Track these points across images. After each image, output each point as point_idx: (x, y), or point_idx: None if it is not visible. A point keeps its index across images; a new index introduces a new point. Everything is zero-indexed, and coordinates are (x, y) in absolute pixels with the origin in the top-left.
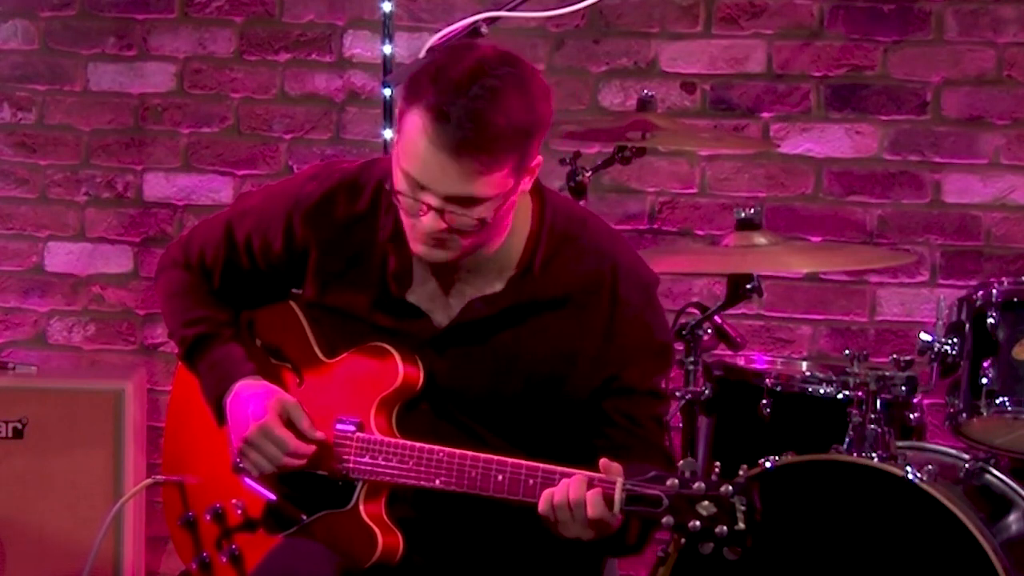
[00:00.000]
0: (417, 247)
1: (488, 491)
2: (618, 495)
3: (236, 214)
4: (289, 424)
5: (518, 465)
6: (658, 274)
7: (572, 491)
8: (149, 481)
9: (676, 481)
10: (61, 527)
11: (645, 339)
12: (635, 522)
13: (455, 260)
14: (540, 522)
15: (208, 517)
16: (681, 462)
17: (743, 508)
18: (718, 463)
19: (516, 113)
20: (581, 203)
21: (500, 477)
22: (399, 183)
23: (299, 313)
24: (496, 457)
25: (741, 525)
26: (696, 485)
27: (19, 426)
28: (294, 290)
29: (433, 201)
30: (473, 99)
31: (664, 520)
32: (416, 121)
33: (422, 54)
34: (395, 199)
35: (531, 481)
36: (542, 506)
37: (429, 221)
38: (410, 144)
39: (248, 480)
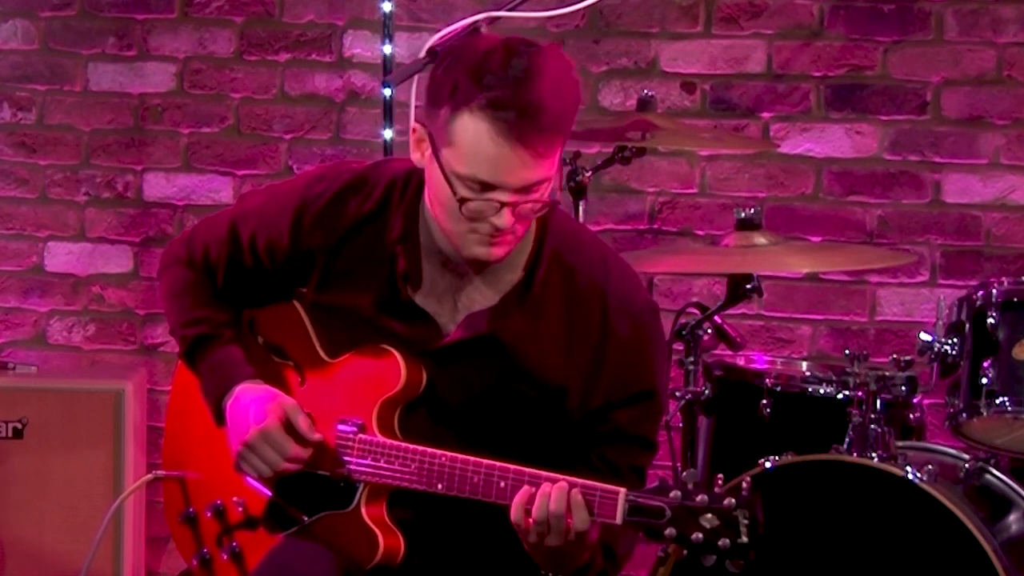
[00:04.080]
0: (475, 250)
1: (490, 497)
2: (621, 505)
3: (240, 213)
4: (289, 428)
5: (520, 472)
6: (658, 275)
7: (552, 499)
8: (150, 476)
9: (679, 493)
10: (61, 527)
11: (634, 377)
12: (599, 559)
13: (502, 258)
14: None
15: (209, 514)
16: (684, 473)
17: (746, 521)
18: (721, 475)
19: (562, 86)
20: (581, 205)
21: (502, 483)
22: (463, 192)
23: (302, 313)
24: (498, 463)
25: (744, 539)
26: (699, 497)
27: (19, 426)
28: (299, 289)
29: (506, 197)
30: (522, 84)
31: (667, 531)
32: (473, 124)
33: (422, 54)
34: (462, 210)
35: (534, 489)
36: (514, 513)
37: (502, 219)
38: (471, 148)
39: (250, 478)
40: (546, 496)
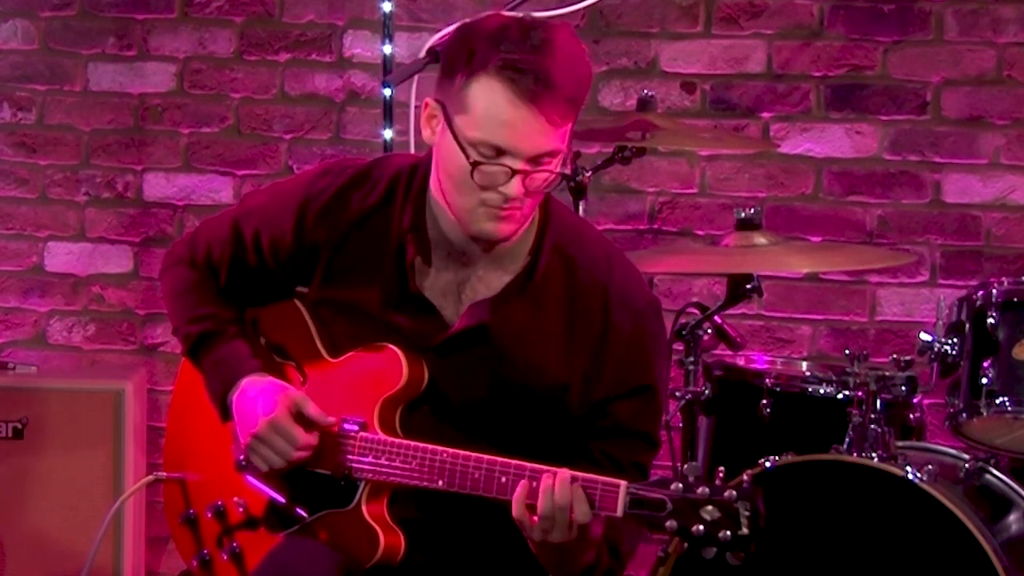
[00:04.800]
0: (483, 225)
1: (491, 493)
2: (622, 498)
3: (243, 212)
4: (299, 418)
5: (521, 467)
6: (658, 275)
7: (556, 492)
8: (151, 478)
9: (680, 485)
10: (61, 527)
11: (633, 372)
12: (604, 558)
13: (510, 236)
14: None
15: (209, 515)
16: (685, 466)
17: (747, 513)
18: (722, 468)
19: (577, 60)
20: (581, 204)
21: (503, 479)
22: (476, 156)
23: (304, 312)
24: (500, 459)
25: (745, 530)
26: (700, 489)
27: (19, 426)
28: (300, 288)
29: (518, 164)
30: (540, 51)
31: (668, 524)
32: (489, 86)
33: (422, 54)
34: (473, 174)
35: (534, 484)
36: (515, 509)
37: (512, 187)
38: (486, 112)
39: (250, 478)
40: (549, 488)
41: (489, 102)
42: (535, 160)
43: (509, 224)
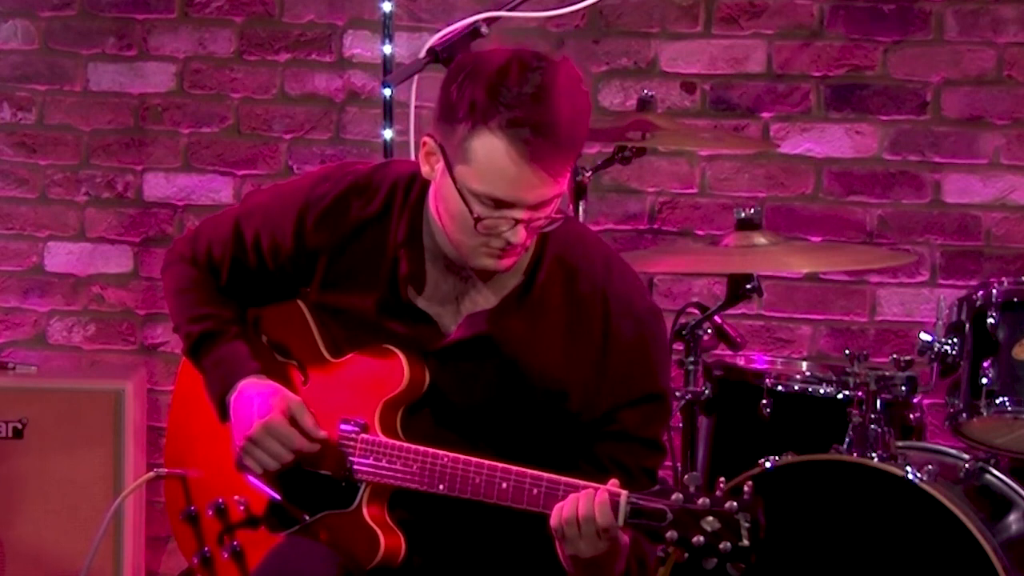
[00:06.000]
0: (484, 262)
1: (492, 498)
2: (622, 508)
3: (245, 212)
4: (294, 423)
5: (522, 474)
6: (658, 275)
7: (581, 505)
8: (152, 474)
9: (680, 495)
10: (61, 527)
11: (638, 379)
12: (634, 566)
13: (510, 268)
14: (542, 528)
15: (210, 512)
16: (685, 476)
17: (747, 525)
18: (722, 478)
19: (576, 101)
20: (581, 204)
21: (504, 485)
22: (478, 210)
23: (306, 312)
24: (500, 465)
25: (745, 542)
26: (700, 500)
27: (19, 426)
28: (303, 288)
29: (520, 214)
30: (539, 101)
31: (668, 534)
32: (491, 143)
33: (422, 54)
34: (477, 227)
35: (535, 490)
36: (553, 520)
37: (515, 235)
38: (488, 167)
39: (251, 477)
40: (561, 504)
41: (491, 159)
42: (537, 207)
43: (510, 259)
